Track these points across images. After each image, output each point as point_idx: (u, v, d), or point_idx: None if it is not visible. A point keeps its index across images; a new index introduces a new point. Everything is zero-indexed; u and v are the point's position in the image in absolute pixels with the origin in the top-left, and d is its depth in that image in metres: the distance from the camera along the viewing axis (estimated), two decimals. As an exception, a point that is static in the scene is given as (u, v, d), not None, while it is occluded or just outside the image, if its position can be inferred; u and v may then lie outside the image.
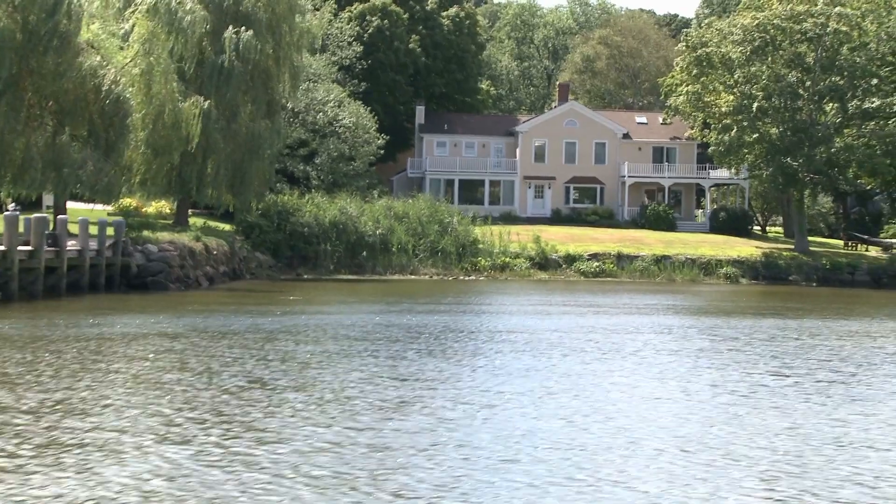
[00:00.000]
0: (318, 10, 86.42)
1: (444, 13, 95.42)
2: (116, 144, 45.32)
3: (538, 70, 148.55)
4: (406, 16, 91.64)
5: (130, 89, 46.63)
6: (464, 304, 43.73)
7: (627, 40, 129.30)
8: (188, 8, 49.35)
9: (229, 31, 56.30)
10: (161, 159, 49.85)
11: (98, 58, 45.26)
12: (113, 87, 45.05)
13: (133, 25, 49.98)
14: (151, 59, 47.88)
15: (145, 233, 46.42)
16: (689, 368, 24.93)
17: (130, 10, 51.64)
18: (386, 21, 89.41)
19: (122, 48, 48.84)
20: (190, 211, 71.94)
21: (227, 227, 63.90)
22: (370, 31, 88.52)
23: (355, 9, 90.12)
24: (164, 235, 48.85)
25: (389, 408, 18.38)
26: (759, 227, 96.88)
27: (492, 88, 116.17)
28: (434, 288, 54.73)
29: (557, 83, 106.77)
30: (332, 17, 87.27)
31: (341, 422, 17.03)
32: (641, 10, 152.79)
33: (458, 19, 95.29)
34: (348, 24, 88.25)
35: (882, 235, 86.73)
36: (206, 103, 55.31)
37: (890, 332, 35.67)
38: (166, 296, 42.65)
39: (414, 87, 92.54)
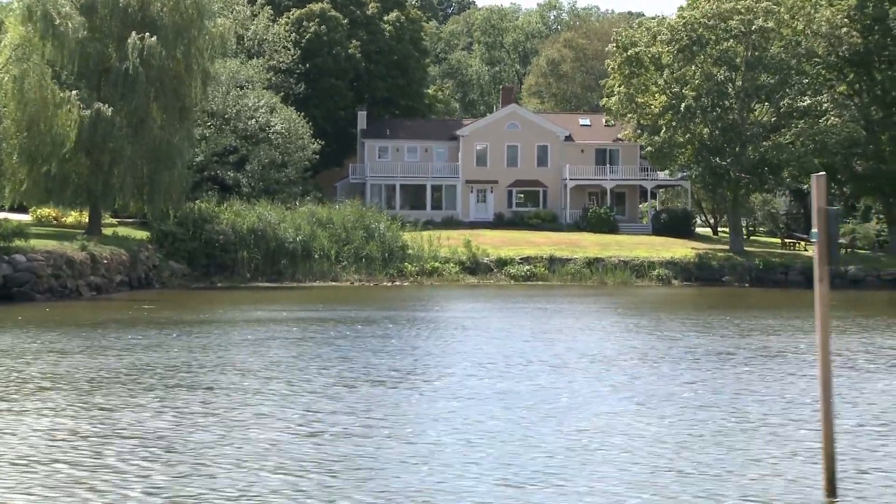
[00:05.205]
0: (255, 16, 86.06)
1: (386, 18, 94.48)
2: (-16, 151, 44.78)
3: (509, 74, 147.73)
4: (345, 21, 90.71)
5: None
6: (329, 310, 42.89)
7: (593, 43, 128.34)
8: (64, 13, 48.55)
9: (133, 38, 55.77)
10: (38, 166, 49.04)
11: (-34, 65, 44.76)
12: (-18, 93, 44.56)
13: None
14: (25, 65, 47.16)
15: (16, 242, 45.45)
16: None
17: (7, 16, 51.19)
18: (324, 27, 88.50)
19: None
20: (116, 220, 71.37)
21: (144, 235, 63.03)
22: (308, 36, 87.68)
23: (293, 14, 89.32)
24: (48, 244, 48.00)
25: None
26: (709, 228, 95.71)
27: (439, 93, 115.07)
28: (347, 295, 53.80)
29: (501, 86, 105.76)
30: (270, 24, 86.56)
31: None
32: (630, 12, 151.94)
33: (399, 24, 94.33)
34: (286, 29, 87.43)
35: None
36: (110, 110, 54.93)
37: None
38: (25, 307, 41.40)
39: (356, 93, 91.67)
